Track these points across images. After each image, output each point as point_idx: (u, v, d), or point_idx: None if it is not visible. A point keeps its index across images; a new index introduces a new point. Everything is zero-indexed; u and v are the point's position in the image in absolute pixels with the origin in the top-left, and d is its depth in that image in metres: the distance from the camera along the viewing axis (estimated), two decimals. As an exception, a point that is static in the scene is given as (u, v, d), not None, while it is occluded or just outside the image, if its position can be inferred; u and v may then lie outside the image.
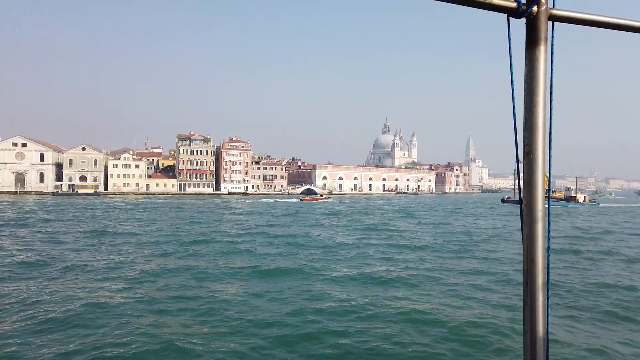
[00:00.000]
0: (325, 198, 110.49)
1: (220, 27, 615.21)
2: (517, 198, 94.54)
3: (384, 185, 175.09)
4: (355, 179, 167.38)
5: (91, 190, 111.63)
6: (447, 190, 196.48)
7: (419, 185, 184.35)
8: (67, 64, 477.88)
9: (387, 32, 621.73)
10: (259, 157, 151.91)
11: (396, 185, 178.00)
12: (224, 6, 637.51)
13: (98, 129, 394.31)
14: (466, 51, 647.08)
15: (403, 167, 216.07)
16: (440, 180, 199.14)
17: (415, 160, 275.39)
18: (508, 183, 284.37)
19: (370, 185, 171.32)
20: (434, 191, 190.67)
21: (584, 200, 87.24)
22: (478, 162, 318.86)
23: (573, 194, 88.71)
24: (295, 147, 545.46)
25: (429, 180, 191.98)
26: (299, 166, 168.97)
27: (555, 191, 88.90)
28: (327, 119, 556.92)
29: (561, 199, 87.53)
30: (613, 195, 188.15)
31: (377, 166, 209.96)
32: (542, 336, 1.30)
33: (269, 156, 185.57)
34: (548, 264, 1.32)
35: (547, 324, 1.32)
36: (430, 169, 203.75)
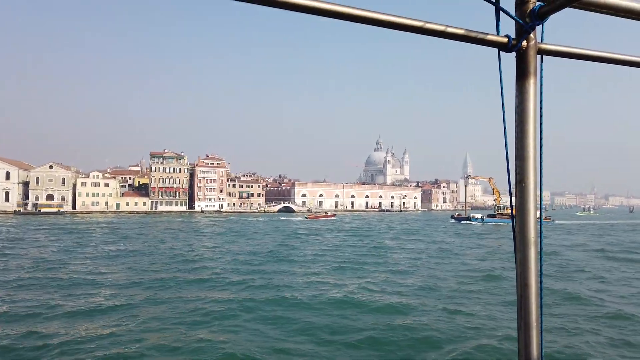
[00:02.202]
0: (330, 215, 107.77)
1: (214, 45, 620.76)
2: (466, 215, 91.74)
3: (366, 203, 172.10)
4: (337, 196, 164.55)
5: (55, 210, 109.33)
6: (433, 208, 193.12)
7: (403, 203, 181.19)
8: (53, 75, 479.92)
9: (383, 47, 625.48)
10: (235, 175, 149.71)
11: (380, 203, 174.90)
12: (220, 18, 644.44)
13: (92, 147, 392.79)
14: (465, 65, 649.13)
15: (390, 184, 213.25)
16: (427, 198, 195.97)
17: (408, 178, 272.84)
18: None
19: (352, 203, 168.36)
20: (419, 208, 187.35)
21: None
22: (472, 180, 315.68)
23: None
24: (286, 165, 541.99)
25: (415, 198, 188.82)
26: (279, 184, 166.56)
27: (506, 208, 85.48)
28: (321, 136, 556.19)
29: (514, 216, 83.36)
30: (592, 212, 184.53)
31: (363, 183, 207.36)
32: (537, 359, 1.32)
33: (254, 174, 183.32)
34: (541, 289, 1.34)
35: (542, 348, 1.33)
36: (417, 186, 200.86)
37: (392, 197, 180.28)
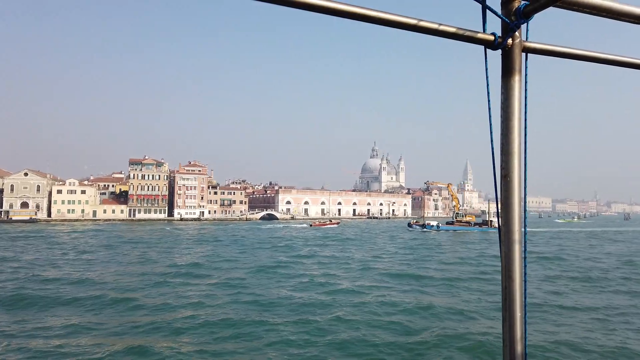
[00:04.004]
0: (333, 223, 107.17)
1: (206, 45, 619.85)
2: (421, 222, 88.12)
3: (354, 210, 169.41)
4: (323, 203, 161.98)
5: (26, 217, 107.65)
6: (424, 215, 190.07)
7: (392, 210, 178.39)
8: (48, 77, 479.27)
9: (379, 52, 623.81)
10: (216, 183, 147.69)
11: (368, 210, 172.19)
12: (217, 19, 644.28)
13: (74, 154, 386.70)
14: (466, 68, 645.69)
15: (384, 191, 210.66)
16: (418, 205, 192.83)
17: (403, 184, 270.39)
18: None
19: (339, 210, 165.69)
20: (409, 215, 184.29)
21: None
22: (468, 186, 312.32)
23: (488, 218, 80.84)
24: (282, 173, 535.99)
25: (404, 205, 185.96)
26: (265, 190, 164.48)
27: (465, 215, 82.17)
28: (319, 143, 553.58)
29: (475, 224, 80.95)
30: (576, 219, 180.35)
31: (354, 190, 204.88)
32: (521, 350, 1.34)
33: (243, 180, 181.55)
34: (525, 281, 1.37)
35: (525, 339, 1.36)
36: (408, 193, 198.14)
37: (381, 204, 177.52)
